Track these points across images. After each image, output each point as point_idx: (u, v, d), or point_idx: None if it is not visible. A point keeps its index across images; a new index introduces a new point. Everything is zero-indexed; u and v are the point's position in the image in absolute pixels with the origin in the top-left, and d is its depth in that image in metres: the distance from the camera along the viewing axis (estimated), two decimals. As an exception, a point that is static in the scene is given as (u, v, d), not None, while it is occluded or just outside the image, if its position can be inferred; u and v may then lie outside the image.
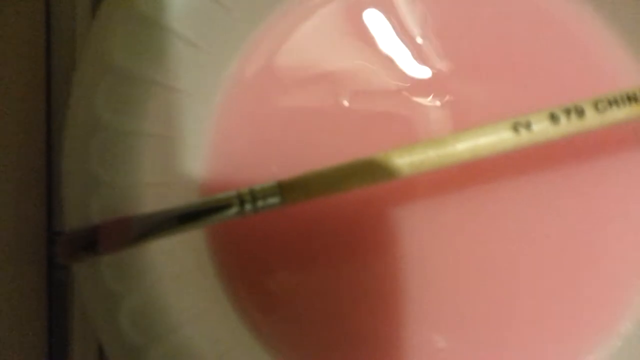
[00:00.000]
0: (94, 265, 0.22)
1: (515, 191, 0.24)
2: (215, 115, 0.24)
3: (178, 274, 0.23)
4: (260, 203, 0.21)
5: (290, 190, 0.21)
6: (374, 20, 0.24)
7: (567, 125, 0.21)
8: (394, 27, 0.24)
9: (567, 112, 0.21)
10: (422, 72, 0.24)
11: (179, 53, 0.23)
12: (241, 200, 0.21)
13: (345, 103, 0.24)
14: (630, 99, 0.21)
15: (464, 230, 0.24)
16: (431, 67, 0.24)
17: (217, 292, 0.24)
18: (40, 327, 0.25)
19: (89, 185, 0.22)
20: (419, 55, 0.24)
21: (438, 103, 0.24)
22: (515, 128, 0.21)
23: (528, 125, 0.21)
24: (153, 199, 0.22)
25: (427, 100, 0.24)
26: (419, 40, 0.24)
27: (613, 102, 0.21)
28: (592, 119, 0.21)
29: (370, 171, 0.21)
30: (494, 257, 0.24)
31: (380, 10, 0.24)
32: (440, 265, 0.24)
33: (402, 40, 0.24)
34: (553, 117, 0.21)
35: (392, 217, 0.24)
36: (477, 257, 0.24)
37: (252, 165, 0.24)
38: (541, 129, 0.21)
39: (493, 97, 0.24)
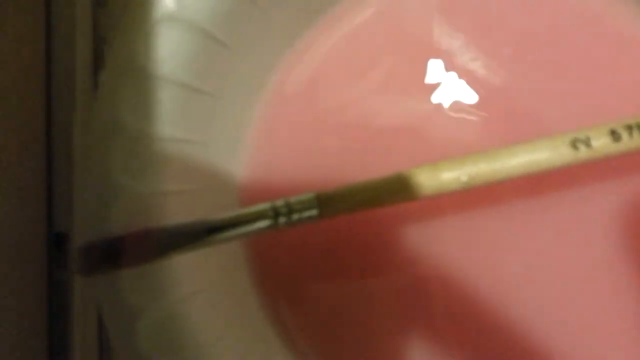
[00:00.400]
0: (112, 276, 0.20)
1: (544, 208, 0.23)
2: (255, 122, 0.23)
3: (205, 287, 0.21)
4: (295, 216, 0.19)
5: (328, 203, 0.20)
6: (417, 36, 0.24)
7: (629, 142, 0.20)
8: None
9: (629, 128, 0.20)
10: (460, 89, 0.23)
11: (212, 57, 0.22)
12: (275, 212, 0.19)
13: (389, 115, 0.23)
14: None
15: (498, 247, 0.23)
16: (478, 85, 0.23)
17: (251, 306, 0.23)
18: (40, 327, 0.25)
19: (109, 193, 0.21)
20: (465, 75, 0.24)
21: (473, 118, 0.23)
22: (574, 144, 0.20)
23: (587, 142, 0.20)
24: (181, 209, 0.21)
25: (462, 115, 0.23)
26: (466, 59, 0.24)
27: None
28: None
29: (416, 185, 0.19)
30: (528, 273, 0.23)
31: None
32: (470, 283, 0.22)
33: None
34: (614, 134, 0.20)
35: (425, 231, 0.23)
36: (508, 273, 0.23)
37: (291, 175, 0.23)
38: (601, 145, 0.20)
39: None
